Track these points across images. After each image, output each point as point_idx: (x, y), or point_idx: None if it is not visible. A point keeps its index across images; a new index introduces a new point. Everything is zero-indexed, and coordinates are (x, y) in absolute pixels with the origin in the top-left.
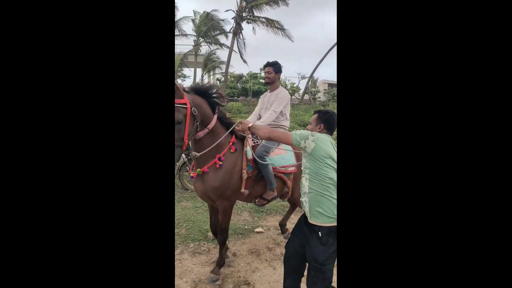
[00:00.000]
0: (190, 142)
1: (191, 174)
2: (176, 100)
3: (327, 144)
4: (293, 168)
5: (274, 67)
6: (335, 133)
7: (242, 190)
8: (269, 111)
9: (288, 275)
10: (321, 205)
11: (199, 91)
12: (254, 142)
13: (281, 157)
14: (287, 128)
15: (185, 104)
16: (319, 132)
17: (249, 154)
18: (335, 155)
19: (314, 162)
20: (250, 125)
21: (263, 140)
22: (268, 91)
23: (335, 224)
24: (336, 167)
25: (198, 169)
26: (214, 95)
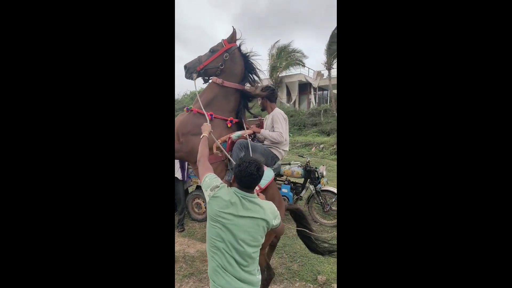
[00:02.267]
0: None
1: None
2: (224, 41)
3: (219, 202)
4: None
5: (268, 95)
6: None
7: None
8: (276, 132)
9: None
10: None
11: (247, 57)
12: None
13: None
14: (284, 153)
15: (224, 45)
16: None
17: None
18: (233, 212)
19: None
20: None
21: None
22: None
23: None
24: (222, 232)
25: (191, 107)
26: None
